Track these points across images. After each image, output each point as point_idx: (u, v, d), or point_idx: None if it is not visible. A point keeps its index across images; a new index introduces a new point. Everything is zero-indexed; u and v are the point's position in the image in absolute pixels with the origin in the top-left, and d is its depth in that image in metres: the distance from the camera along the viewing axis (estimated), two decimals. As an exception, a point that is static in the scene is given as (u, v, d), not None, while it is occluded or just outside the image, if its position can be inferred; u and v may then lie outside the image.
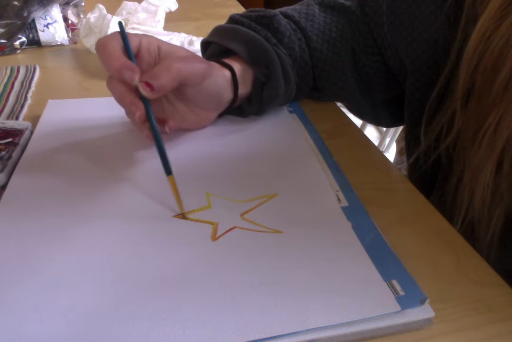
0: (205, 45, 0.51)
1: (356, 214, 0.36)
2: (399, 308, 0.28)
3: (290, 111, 0.52)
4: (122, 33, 0.39)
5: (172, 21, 0.80)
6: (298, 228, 0.34)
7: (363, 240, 0.33)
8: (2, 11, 0.67)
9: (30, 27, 0.70)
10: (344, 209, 0.37)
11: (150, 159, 0.42)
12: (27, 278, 0.30)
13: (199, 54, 0.52)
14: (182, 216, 0.35)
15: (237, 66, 0.46)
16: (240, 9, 1.00)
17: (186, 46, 0.67)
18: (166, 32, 0.71)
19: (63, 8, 0.74)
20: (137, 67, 0.37)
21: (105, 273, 0.30)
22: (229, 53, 0.47)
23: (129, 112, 0.40)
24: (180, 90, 0.42)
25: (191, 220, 0.35)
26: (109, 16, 0.66)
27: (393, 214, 0.37)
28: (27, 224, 0.34)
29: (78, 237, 0.33)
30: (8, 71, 0.62)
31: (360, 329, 0.27)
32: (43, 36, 0.72)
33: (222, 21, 0.51)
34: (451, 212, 0.41)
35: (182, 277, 0.30)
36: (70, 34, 0.75)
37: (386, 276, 0.30)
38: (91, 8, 0.69)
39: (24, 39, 0.70)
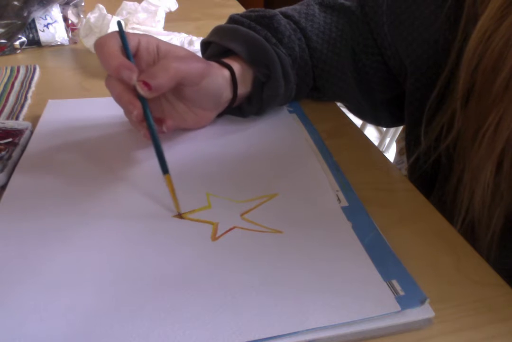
0: (205, 45, 0.51)
1: (356, 214, 0.36)
2: (399, 308, 0.28)
3: (290, 111, 0.52)
4: (121, 32, 0.40)
5: (172, 21, 0.80)
6: (298, 228, 0.34)
7: (363, 240, 0.33)
8: (2, 11, 0.67)
9: (30, 27, 0.70)
10: (344, 209, 0.37)
11: (150, 159, 0.42)
12: (27, 278, 0.30)
13: (199, 54, 0.52)
14: (179, 215, 0.35)
15: (236, 66, 0.46)
16: (240, 9, 1.00)
17: (186, 46, 0.67)
18: (166, 32, 0.71)
19: (63, 8, 0.74)
20: (135, 67, 0.37)
21: (105, 273, 0.30)
22: (229, 53, 0.47)
23: (127, 112, 0.40)
24: (178, 89, 0.42)
25: (191, 220, 0.35)
26: (109, 16, 0.66)
27: (393, 214, 0.37)
28: (27, 224, 0.34)
29: (78, 237, 0.33)
30: (8, 71, 0.62)
31: (360, 329, 0.27)
32: (43, 36, 0.72)
33: (222, 21, 0.51)
34: (451, 212, 0.41)
35: (182, 277, 0.30)
36: (70, 34, 0.75)
37: (386, 276, 0.30)
38: (91, 8, 0.69)
39: (24, 39, 0.70)
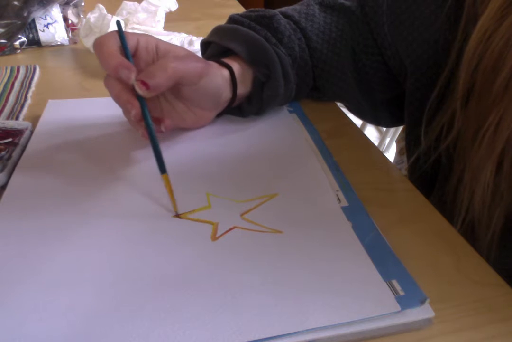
0: (205, 45, 0.51)
1: (356, 214, 0.36)
2: (399, 308, 0.28)
3: (290, 111, 0.52)
4: (120, 32, 0.40)
5: (172, 21, 0.80)
6: (298, 228, 0.34)
7: (363, 240, 0.33)
8: (2, 11, 0.67)
9: (30, 27, 0.70)
10: (344, 209, 0.37)
11: (150, 159, 0.41)
12: (27, 277, 0.30)
13: (199, 54, 0.52)
14: (176, 214, 0.35)
15: (236, 65, 0.46)
16: (240, 9, 1.00)
17: (186, 46, 0.67)
18: (166, 32, 0.71)
19: (63, 8, 0.74)
20: (133, 66, 0.37)
21: (105, 272, 0.30)
22: (229, 53, 0.47)
23: (125, 111, 0.40)
24: (177, 89, 0.42)
25: (191, 220, 0.35)
26: (109, 16, 0.66)
27: (393, 214, 0.37)
28: (27, 224, 0.34)
29: (78, 236, 0.33)
30: (8, 71, 0.62)
31: (360, 329, 0.27)
32: (43, 36, 0.72)
33: (222, 21, 0.51)
34: (451, 212, 0.41)
35: (182, 277, 0.30)
36: (70, 34, 0.75)
37: (386, 276, 0.30)
38: (91, 8, 0.69)
39: (24, 39, 0.70)
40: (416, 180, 0.48)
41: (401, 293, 0.29)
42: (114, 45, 0.38)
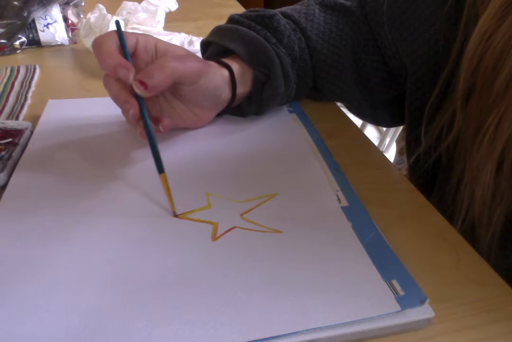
0: (205, 45, 0.51)
1: (356, 214, 0.36)
2: (399, 308, 0.28)
3: (290, 111, 0.52)
4: (119, 31, 0.40)
5: (172, 21, 0.80)
6: (298, 228, 0.34)
7: (363, 240, 0.33)
8: (2, 11, 0.67)
9: (30, 27, 0.70)
10: (344, 209, 0.37)
11: (151, 159, 0.41)
12: (27, 278, 0.30)
13: (199, 54, 0.52)
14: (174, 214, 0.35)
15: (235, 65, 0.46)
16: (240, 9, 1.00)
17: (186, 46, 0.67)
18: (166, 32, 0.71)
19: (63, 8, 0.74)
20: (132, 66, 0.37)
21: (105, 272, 0.30)
22: (229, 53, 0.47)
23: (123, 111, 0.40)
24: (176, 88, 0.42)
25: (191, 219, 0.35)
26: (109, 16, 0.66)
27: (393, 214, 0.37)
28: (27, 224, 0.34)
29: (79, 236, 0.33)
30: (8, 71, 0.62)
31: (360, 329, 0.27)
32: (43, 36, 0.72)
33: (222, 21, 0.51)
34: (451, 212, 0.41)
35: (182, 277, 0.30)
36: (70, 34, 0.75)
37: (386, 276, 0.30)
38: (91, 8, 0.69)
39: (24, 39, 0.70)
40: (416, 180, 0.48)
41: (401, 293, 0.29)
42: (113, 45, 0.38)
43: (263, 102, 0.48)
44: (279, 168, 0.42)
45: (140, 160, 0.42)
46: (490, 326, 0.28)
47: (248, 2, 1.22)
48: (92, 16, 0.67)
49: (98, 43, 0.38)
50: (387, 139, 1.65)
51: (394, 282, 0.30)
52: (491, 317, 0.29)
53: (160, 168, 0.37)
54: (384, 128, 1.68)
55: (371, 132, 1.92)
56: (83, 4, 0.77)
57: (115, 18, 0.66)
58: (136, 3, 0.72)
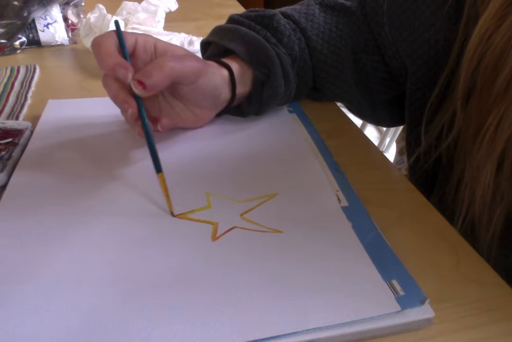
0: (205, 45, 0.51)
1: (356, 214, 0.36)
2: (399, 308, 0.28)
3: (290, 111, 0.52)
4: (118, 31, 0.40)
5: (172, 21, 0.80)
6: (298, 228, 0.34)
7: (363, 240, 0.33)
8: (2, 11, 0.67)
9: (30, 27, 0.70)
10: (344, 209, 0.37)
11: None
12: (27, 278, 0.30)
13: (199, 54, 0.52)
14: (172, 215, 0.35)
15: (235, 65, 0.46)
16: (240, 9, 1.00)
17: (186, 46, 0.67)
18: (166, 32, 0.71)
19: (63, 8, 0.74)
20: (130, 66, 0.37)
21: (106, 272, 0.30)
22: (229, 53, 0.47)
23: (122, 110, 0.40)
24: (175, 88, 0.42)
25: (191, 219, 0.35)
26: (109, 16, 0.66)
27: (393, 214, 0.37)
28: (27, 224, 0.34)
29: (79, 236, 0.33)
30: (8, 71, 0.62)
31: (360, 329, 0.27)
32: (43, 36, 0.72)
33: (222, 21, 0.51)
34: (451, 212, 0.41)
35: (182, 277, 0.30)
36: (70, 34, 0.75)
37: (386, 276, 0.30)
38: (91, 8, 0.69)
39: (24, 39, 0.70)
40: (416, 180, 0.48)
41: (401, 293, 0.29)
42: (112, 44, 0.38)
43: (263, 102, 0.48)
44: (279, 168, 0.42)
45: (141, 160, 0.42)
46: (490, 326, 0.28)
47: (248, 2, 1.22)
48: (92, 16, 0.67)
49: (97, 43, 0.38)
50: (387, 139, 1.65)
51: (394, 282, 0.30)
52: (491, 317, 0.29)
53: (158, 168, 0.37)
54: (384, 128, 1.68)
55: (371, 132, 1.92)
56: (83, 4, 0.77)
57: (115, 18, 0.66)
58: (136, 3, 0.72)
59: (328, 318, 0.27)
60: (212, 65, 0.44)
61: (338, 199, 0.38)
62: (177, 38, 0.68)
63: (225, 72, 0.45)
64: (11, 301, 0.28)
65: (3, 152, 0.41)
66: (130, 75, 0.37)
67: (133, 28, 0.70)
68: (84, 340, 0.26)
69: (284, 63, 0.47)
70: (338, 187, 0.39)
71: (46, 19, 0.71)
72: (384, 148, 1.65)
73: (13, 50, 0.70)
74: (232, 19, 0.50)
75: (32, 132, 0.46)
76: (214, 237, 0.33)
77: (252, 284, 0.29)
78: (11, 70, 0.62)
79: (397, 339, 0.28)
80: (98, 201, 0.37)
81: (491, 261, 0.33)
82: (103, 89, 0.39)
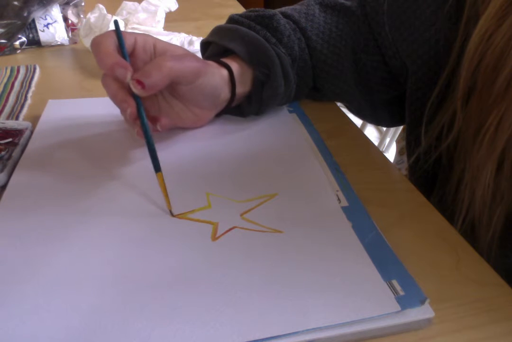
0: (205, 45, 0.51)
1: (356, 214, 0.36)
2: (399, 308, 0.28)
3: (290, 111, 0.52)
4: (117, 31, 0.40)
5: (172, 21, 0.80)
6: (298, 228, 0.34)
7: (363, 240, 0.33)
8: (2, 11, 0.67)
9: (30, 27, 0.70)
10: (344, 209, 0.37)
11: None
12: (27, 278, 0.30)
13: (199, 54, 0.52)
14: (170, 213, 0.35)
15: (235, 65, 0.46)
16: (240, 9, 1.00)
17: (186, 46, 0.67)
18: (166, 32, 0.71)
19: (63, 8, 0.74)
20: (129, 65, 0.37)
21: (106, 272, 0.30)
22: (229, 53, 0.47)
23: (121, 110, 0.40)
24: (174, 88, 0.42)
25: (191, 219, 0.35)
26: (109, 16, 0.66)
27: (393, 214, 0.37)
28: (27, 224, 0.34)
29: (79, 236, 0.33)
30: (8, 71, 0.62)
31: (360, 329, 0.27)
32: (43, 36, 0.72)
33: (222, 21, 0.51)
34: (452, 212, 0.41)
35: (182, 277, 0.30)
36: (70, 34, 0.75)
37: (386, 276, 0.30)
38: (91, 8, 0.69)
39: (24, 39, 0.70)
40: (416, 180, 0.48)
41: (401, 293, 0.29)
42: (111, 44, 0.38)
43: (263, 102, 0.48)
44: (279, 168, 0.42)
45: (141, 160, 0.42)
46: (490, 326, 0.28)
47: (248, 2, 1.22)
48: (92, 16, 0.67)
49: (96, 43, 0.38)
50: (387, 139, 1.65)
51: (394, 282, 0.30)
52: (491, 317, 0.29)
53: (157, 167, 0.37)
54: (384, 128, 1.68)
55: (371, 132, 1.92)
56: (83, 4, 0.77)
57: (115, 18, 0.66)
58: (136, 3, 0.72)
59: (328, 318, 0.27)
60: (212, 65, 0.44)
61: (338, 199, 0.38)
62: (177, 38, 0.68)
63: (225, 72, 0.45)
64: (11, 301, 0.28)
65: (3, 152, 0.41)
66: (129, 75, 0.37)
67: (133, 28, 0.70)
68: (84, 340, 0.26)
69: (284, 63, 0.47)
70: (338, 187, 0.39)
71: (46, 19, 0.71)
72: (384, 148, 1.65)
73: (13, 50, 0.70)
74: (232, 19, 0.50)
75: (32, 132, 0.46)
76: (214, 237, 0.33)
77: (252, 284, 0.29)
78: (11, 70, 0.62)
79: (397, 339, 0.28)
80: (98, 201, 0.37)
81: (491, 261, 0.33)
82: (103, 89, 0.39)
